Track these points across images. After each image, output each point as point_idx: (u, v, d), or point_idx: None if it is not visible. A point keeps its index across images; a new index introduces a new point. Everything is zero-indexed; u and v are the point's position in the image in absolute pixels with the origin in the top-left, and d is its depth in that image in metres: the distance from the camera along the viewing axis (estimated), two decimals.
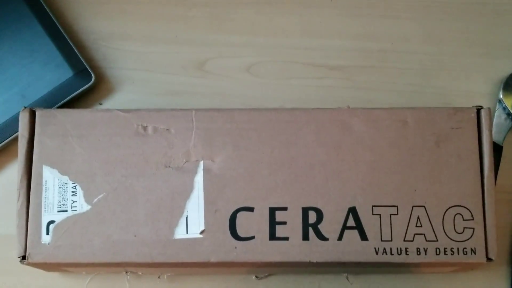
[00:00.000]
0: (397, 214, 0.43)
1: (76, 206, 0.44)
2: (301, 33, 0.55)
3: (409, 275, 0.50)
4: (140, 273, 0.50)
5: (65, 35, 0.53)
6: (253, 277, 0.50)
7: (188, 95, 0.54)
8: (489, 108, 0.44)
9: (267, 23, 0.55)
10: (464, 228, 0.43)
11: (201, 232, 0.43)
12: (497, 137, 0.51)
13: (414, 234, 0.43)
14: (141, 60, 0.55)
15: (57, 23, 0.53)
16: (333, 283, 0.50)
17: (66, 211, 0.44)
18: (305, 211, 0.43)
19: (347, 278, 0.50)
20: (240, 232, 0.43)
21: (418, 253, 0.43)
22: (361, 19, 0.55)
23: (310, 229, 0.43)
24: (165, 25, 0.55)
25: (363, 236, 0.43)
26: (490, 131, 0.44)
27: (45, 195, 0.44)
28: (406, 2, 0.56)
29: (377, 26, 0.55)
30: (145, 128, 0.45)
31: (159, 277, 0.50)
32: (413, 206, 0.43)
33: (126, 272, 0.49)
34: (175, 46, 0.55)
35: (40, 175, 0.44)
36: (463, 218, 0.43)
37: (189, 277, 0.50)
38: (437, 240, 0.43)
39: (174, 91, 0.54)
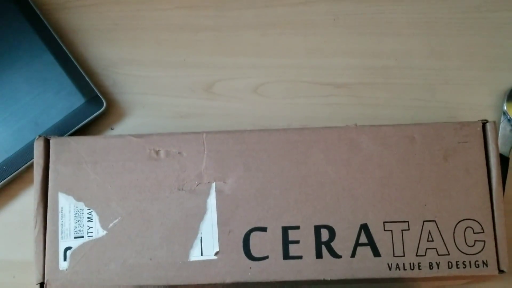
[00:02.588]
0: (409, 229, 0.44)
1: (92, 232, 0.44)
2: (306, 52, 0.56)
3: None
4: None
5: (75, 63, 0.54)
6: None
7: (197, 117, 0.55)
8: (494, 122, 0.45)
9: (273, 44, 0.56)
10: (475, 241, 0.43)
11: (216, 254, 0.44)
12: (503, 149, 0.52)
13: (426, 249, 0.43)
14: (151, 85, 0.56)
15: (67, 52, 0.54)
16: None
17: (83, 237, 0.44)
18: (317, 229, 0.44)
19: None
20: (254, 252, 0.44)
21: (431, 267, 0.43)
22: (364, 37, 0.56)
23: (323, 247, 0.44)
24: (173, 49, 0.57)
25: (376, 252, 0.43)
26: (496, 144, 0.44)
27: (62, 221, 0.45)
28: (408, 19, 0.57)
29: (381, 43, 0.56)
30: (157, 152, 0.46)
31: None
32: (424, 221, 0.44)
33: None
34: (183, 70, 0.56)
35: (56, 202, 0.45)
36: (473, 231, 0.43)
37: None
38: (449, 254, 0.43)
39: (184, 113, 0.55)
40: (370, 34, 0.56)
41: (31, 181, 0.48)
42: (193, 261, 0.44)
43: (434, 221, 0.44)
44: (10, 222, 0.53)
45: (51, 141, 0.46)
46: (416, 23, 0.57)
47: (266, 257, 0.43)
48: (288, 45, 0.56)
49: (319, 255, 0.43)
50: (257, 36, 0.57)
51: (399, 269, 0.43)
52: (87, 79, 0.54)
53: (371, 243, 0.43)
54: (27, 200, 0.53)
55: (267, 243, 0.44)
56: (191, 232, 0.44)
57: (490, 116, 0.53)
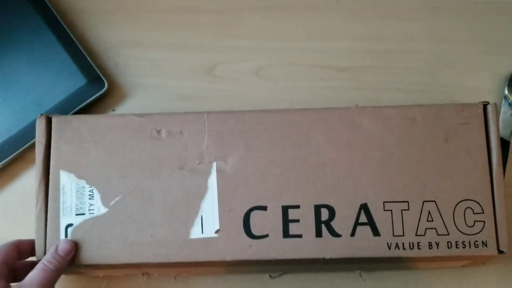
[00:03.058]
0: (408, 210, 0.44)
1: (93, 209, 0.45)
2: (308, 36, 0.56)
3: (422, 271, 0.51)
4: (156, 275, 0.51)
5: (77, 44, 0.54)
6: (267, 276, 0.51)
7: (198, 100, 0.55)
8: (495, 104, 0.45)
9: (274, 27, 0.57)
10: (474, 221, 0.43)
11: (216, 232, 0.44)
12: (504, 133, 0.52)
13: (426, 229, 0.43)
14: (152, 67, 0.56)
15: (70, 33, 0.54)
16: (346, 280, 0.51)
17: (84, 214, 0.45)
18: (317, 208, 0.44)
19: (360, 275, 0.51)
20: (254, 230, 0.44)
21: (430, 247, 0.43)
22: (366, 20, 0.56)
23: (323, 226, 0.44)
24: (174, 32, 0.57)
25: (375, 232, 0.44)
26: (497, 125, 0.45)
27: (63, 199, 0.45)
28: (410, 3, 0.57)
29: (382, 27, 0.56)
30: (159, 131, 0.46)
31: (175, 278, 0.51)
32: (423, 201, 0.44)
33: (143, 274, 0.50)
34: (185, 52, 0.56)
35: (58, 180, 0.45)
36: (473, 211, 0.44)
37: (204, 277, 0.51)
38: (449, 234, 0.43)
39: (185, 96, 0.55)
40: (372, 18, 0.56)
41: (32, 161, 0.48)
42: (193, 239, 0.44)
43: (434, 201, 0.44)
44: (12, 201, 0.53)
45: (53, 120, 0.46)
46: (418, 7, 0.57)
47: (266, 236, 0.44)
48: (290, 28, 0.57)
49: (319, 234, 0.44)
50: (259, 18, 0.57)
51: (399, 249, 0.43)
52: (89, 60, 0.54)
53: (371, 223, 0.44)
54: (28, 180, 0.53)
55: (267, 222, 0.44)
56: (191, 210, 0.44)
57: (491, 100, 0.53)
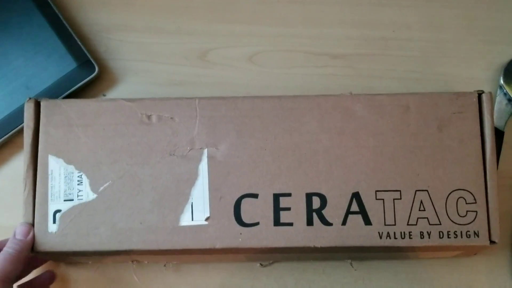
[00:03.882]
0: (400, 199, 0.43)
1: (82, 195, 0.44)
2: (303, 22, 0.55)
3: (413, 261, 0.51)
4: (146, 262, 0.50)
5: (68, 27, 0.53)
6: (258, 264, 0.51)
7: (191, 85, 0.54)
8: (490, 92, 0.44)
9: (269, 13, 0.56)
10: (467, 211, 0.43)
11: (206, 219, 0.43)
12: (498, 123, 0.52)
13: (418, 218, 0.43)
14: (144, 51, 0.55)
15: (60, 16, 0.53)
16: (337, 269, 0.51)
17: (72, 200, 0.44)
18: (309, 196, 0.44)
19: (351, 264, 0.50)
20: (245, 218, 0.43)
21: (422, 236, 0.43)
22: (362, 7, 0.56)
23: (314, 215, 0.43)
24: (167, 16, 0.56)
25: (367, 221, 0.43)
26: (492, 115, 0.44)
27: (51, 184, 0.44)
28: None
29: (378, 14, 0.55)
30: (149, 117, 0.45)
31: (164, 266, 0.51)
32: (416, 191, 0.43)
33: (132, 261, 0.50)
34: (177, 37, 0.55)
35: (46, 165, 0.44)
36: (466, 201, 0.43)
37: (194, 265, 0.51)
38: (440, 224, 0.43)
39: (177, 81, 0.54)
40: (368, 5, 0.56)
41: (22, 146, 0.47)
42: (183, 226, 0.43)
43: (427, 190, 0.43)
44: (1, 186, 0.53)
45: (41, 104, 0.46)
46: None
47: (257, 224, 0.43)
48: (284, 13, 0.56)
49: (310, 222, 0.43)
50: (254, 3, 0.56)
51: (390, 238, 0.43)
52: (79, 43, 0.53)
53: (363, 212, 0.43)
54: (17, 165, 0.53)
55: (258, 210, 0.43)
56: (182, 197, 0.44)
57: (486, 89, 0.52)
